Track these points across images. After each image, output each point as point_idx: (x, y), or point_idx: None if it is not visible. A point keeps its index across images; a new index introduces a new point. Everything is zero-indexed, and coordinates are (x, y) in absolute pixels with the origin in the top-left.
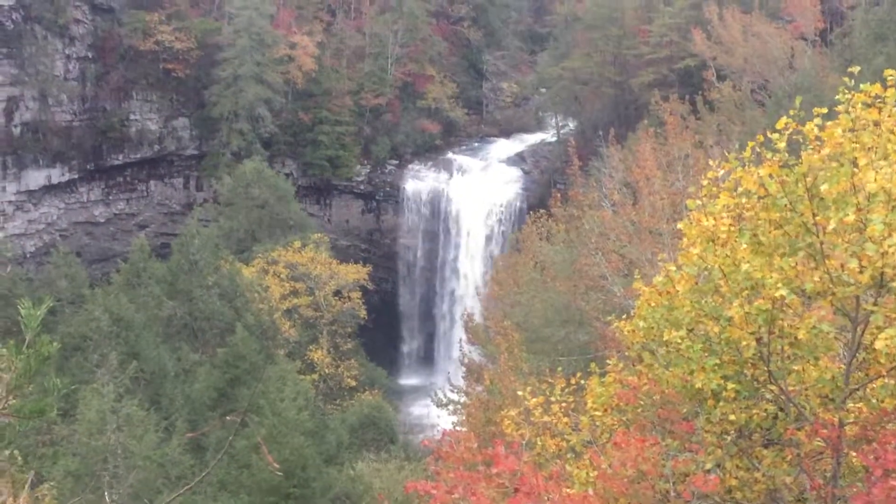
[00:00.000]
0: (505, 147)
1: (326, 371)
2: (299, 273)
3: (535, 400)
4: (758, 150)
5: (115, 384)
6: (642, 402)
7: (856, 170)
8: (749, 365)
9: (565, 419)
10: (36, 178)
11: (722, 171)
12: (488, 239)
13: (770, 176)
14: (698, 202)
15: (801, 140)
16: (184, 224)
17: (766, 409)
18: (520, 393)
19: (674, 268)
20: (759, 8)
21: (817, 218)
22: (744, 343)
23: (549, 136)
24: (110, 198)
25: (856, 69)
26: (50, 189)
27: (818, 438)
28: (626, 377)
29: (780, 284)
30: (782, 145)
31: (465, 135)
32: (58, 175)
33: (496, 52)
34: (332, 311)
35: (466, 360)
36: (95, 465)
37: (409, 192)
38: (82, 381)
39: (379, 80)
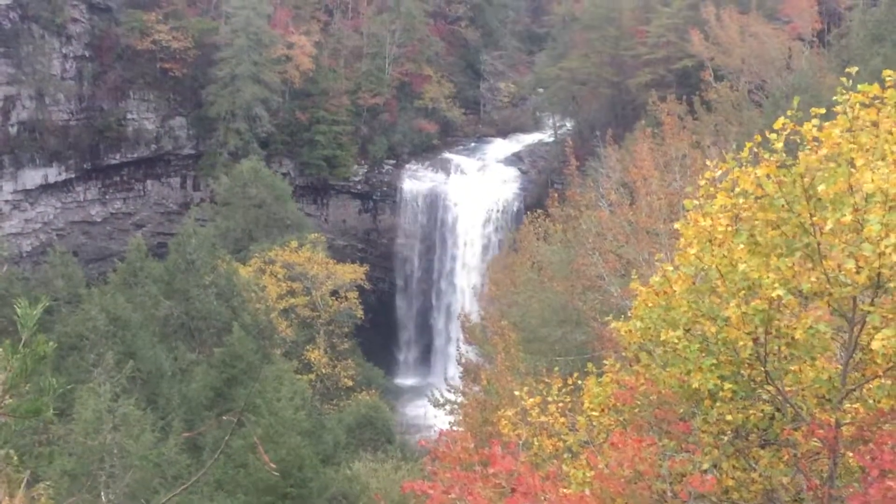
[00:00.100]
0: (502, 147)
1: (323, 371)
2: (296, 273)
3: (531, 400)
4: (755, 150)
5: (112, 384)
6: (639, 403)
7: (853, 170)
8: (746, 365)
9: (562, 419)
10: (32, 177)
11: (719, 172)
12: (485, 249)
13: (767, 176)
14: (695, 202)
15: (798, 140)
16: (180, 223)
17: (762, 410)
18: (517, 393)
19: (671, 268)
20: (757, 8)
21: (814, 218)
22: (741, 343)
23: (546, 136)
24: (107, 197)
25: (853, 70)
26: (47, 188)
27: (815, 439)
28: (622, 377)
29: (776, 285)
30: (779, 146)
31: (462, 135)
32: (54, 174)
33: (494, 52)
34: (329, 310)
35: (463, 360)
36: (92, 465)
37: (406, 192)
38: (79, 381)
39: (376, 80)
